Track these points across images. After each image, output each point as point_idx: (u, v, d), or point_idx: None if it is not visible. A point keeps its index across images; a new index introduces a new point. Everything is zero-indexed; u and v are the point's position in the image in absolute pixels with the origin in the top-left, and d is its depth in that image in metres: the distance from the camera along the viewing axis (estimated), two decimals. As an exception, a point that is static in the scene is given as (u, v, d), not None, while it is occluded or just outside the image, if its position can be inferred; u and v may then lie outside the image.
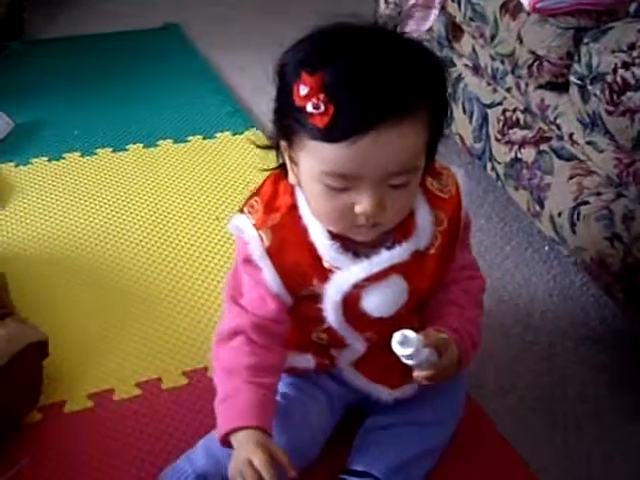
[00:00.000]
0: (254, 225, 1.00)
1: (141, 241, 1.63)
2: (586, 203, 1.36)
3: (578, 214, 1.38)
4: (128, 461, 1.16)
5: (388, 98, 0.85)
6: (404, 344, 0.92)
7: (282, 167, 1.01)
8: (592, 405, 1.30)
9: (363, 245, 0.99)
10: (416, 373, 0.97)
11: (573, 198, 1.39)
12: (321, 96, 0.84)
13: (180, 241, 1.63)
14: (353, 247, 1.00)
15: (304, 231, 0.99)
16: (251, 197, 1.04)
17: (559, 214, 1.42)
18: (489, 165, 1.68)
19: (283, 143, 0.95)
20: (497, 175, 1.65)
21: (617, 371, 1.37)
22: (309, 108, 0.85)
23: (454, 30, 1.76)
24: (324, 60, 0.86)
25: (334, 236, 0.99)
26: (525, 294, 1.52)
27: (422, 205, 1.02)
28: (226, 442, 1.00)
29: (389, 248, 0.99)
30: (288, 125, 0.91)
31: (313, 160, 0.90)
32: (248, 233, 1.01)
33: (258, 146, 1.03)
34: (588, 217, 1.35)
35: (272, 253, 1.00)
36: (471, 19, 1.62)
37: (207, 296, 1.47)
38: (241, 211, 1.04)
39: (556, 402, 1.30)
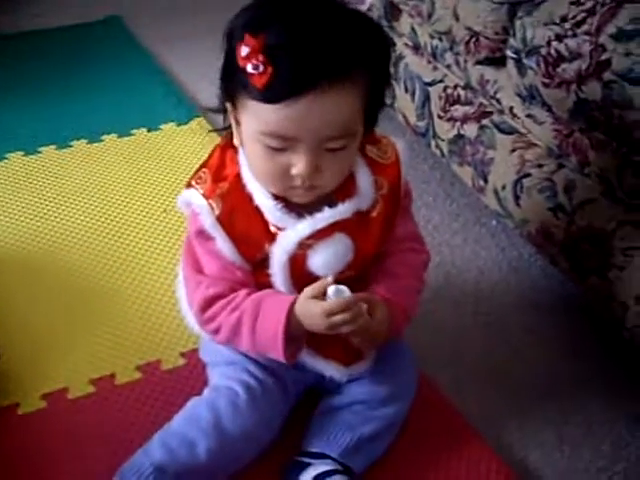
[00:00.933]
0: (203, 195, 1.03)
1: (89, 237, 1.61)
2: (528, 175, 1.38)
3: (521, 187, 1.39)
4: (85, 459, 1.15)
5: (324, 63, 0.88)
6: (338, 294, 0.97)
7: (229, 133, 1.04)
8: (545, 373, 1.32)
9: (306, 206, 1.02)
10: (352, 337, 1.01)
11: (516, 171, 1.41)
12: (260, 57, 0.87)
13: (129, 235, 1.61)
14: (297, 208, 1.02)
15: (250, 197, 1.02)
16: (199, 169, 1.07)
17: (503, 188, 1.44)
18: (433, 143, 1.69)
19: (228, 105, 0.99)
20: (441, 152, 1.66)
21: (567, 338, 1.39)
22: (249, 68, 0.88)
23: (392, 9, 1.76)
24: (267, 23, 0.89)
25: (277, 198, 1.01)
26: (474, 268, 1.54)
27: (362, 169, 1.05)
28: (289, 351, 1.02)
29: (331, 206, 1.02)
30: (232, 86, 0.95)
31: (253, 120, 0.93)
32: (197, 203, 1.03)
33: (210, 110, 1.06)
34: (531, 189, 1.37)
35: (223, 221, 1.02)
36: (408, -2, 1.63)
37: (157, 289, 1.46)
38: (188, 185, 1.06)
39: (509, 372, 1.32)
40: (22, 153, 1.90)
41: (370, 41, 0.95)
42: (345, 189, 1.03)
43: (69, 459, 1.15)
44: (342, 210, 1.02)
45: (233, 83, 0.94)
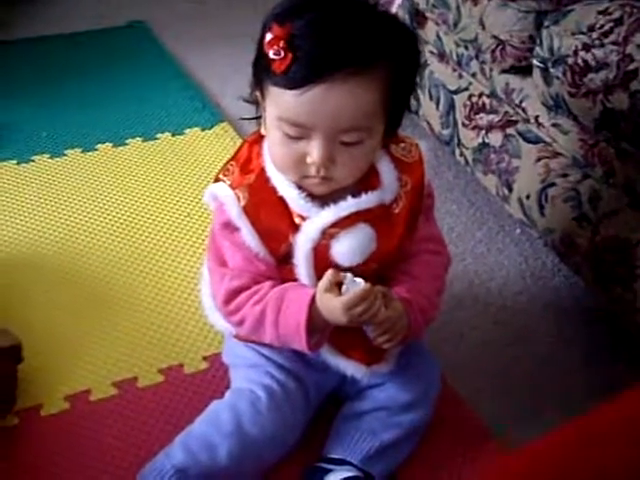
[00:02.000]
0: (230, 186, 1.05)
1: (113, 240, 1.62)
2: (553, 185, 1.38)
3: (546, 196, 1.39)
4: (107, 461, 1.16)
5: (341, 52, 0.91)
6: (353, 286, 0.98)
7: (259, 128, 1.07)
8: (568, 383, 1.32)
9: (329, 196, 1.03)
10: (371, 333, 1.02)
11: (540, 180, 1.40)
12: (281, 43, 0.91)
13: (152, 239, 1.62)
14: (320, 198, 1.04)
15: (274, 190, 1.04)
16: (227, 163, 1.09)
17: (527, 197, 1.44)
18: (457, 151, 1.69)
19: (258, 94, 1.01)
20: (466, 160, 1.66)
21: (591, 348, 1.38)
22: (271, 54, 0.92)
23: (418, 17, 1.76)
24: (295, 15, 0.93)
25: (300, 188, 1.03)
26: (498, 277, 1.53)
27: (386, 163, 1.07)
28: (312, 341, 1.03)
29: (355, 196, 1.03)
30: (259, 73, 0.98)
31: (273, 106, 0.97)
32: (224, 194, 1.05)
33: (246, 100, 1.07)
34: (556, 199, 1.37)
35: (249, 212, 1.04)
36: (434, 6, 1.63)
37: (180, 292, 1.47)
38: (216, 180, 1.08)
39: (531, 381, 1.32)
40: (48, 155, 1.91)
41: (394, 39, 0.96)
42: (369, 181, 1.05)
43: (91, 460, 1.16)
44: (365, 200, 1.03)
45: (260, 69, 0.97)
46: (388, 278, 1.13)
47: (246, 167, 1.07)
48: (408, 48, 0.99)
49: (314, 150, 0.95)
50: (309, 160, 0.97)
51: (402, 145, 1.10)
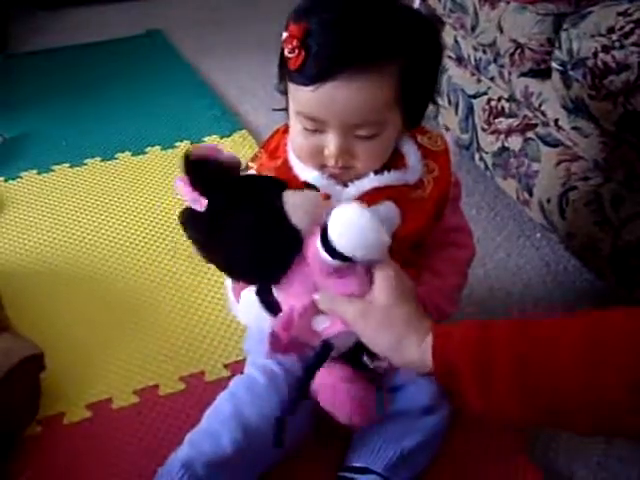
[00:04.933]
0: (256, 170, 1.08)
1: (133, 249, 1.62)
2: (574, 188, 1.37)
3: (567, 200, 1.38)
4: (128, 469, 1.16)
5: (350, 50, 0.92)
6: None
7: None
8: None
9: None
10: None
11: (561, 184, 1.39)
12: (294, 41, 0.93)
13: (172, 247, 1.62)
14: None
15: (297, 177, 1.05)
16: (256, 152, 1.13)
17: (548, 201, 1.43)
18: (477, 155, 1.68)
19: (282, 88, 1.04)
20: (485, 165, 1.65)
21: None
22: (286, 52, 0.94)
23: (435, 22, 1.76)
24: (310, 13, 0.95)
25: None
26: (519, 282, 1.52)
27: (411, 147, 1.08)
28: None
29: (377, 173, 1.04)
30: (281, 70, 1.01)
31: (292, 101, 1.00)
32: None
33: (280, 92, 1.07)
34: (577, 202, 1.36)
35: None
36: (451, 10, 1.63)
37: (201, 300, 1.47)
38: (245, 168, 1.10)
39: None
40: (68, 165, 1.93)
41: (408, 34, 0.96)
42: (393, 162, 1.06)
43: (113, 468, 1.16)
44: (387, 177, 1.04)
45: (282, 66, 1.00)
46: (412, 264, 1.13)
47: (274, 153, 1.10)
48: (425, 41, 0.99)
49: (330, 143, 0.98)
50: (326, 152, 0.99)
51: (428, 135, 1.12)
